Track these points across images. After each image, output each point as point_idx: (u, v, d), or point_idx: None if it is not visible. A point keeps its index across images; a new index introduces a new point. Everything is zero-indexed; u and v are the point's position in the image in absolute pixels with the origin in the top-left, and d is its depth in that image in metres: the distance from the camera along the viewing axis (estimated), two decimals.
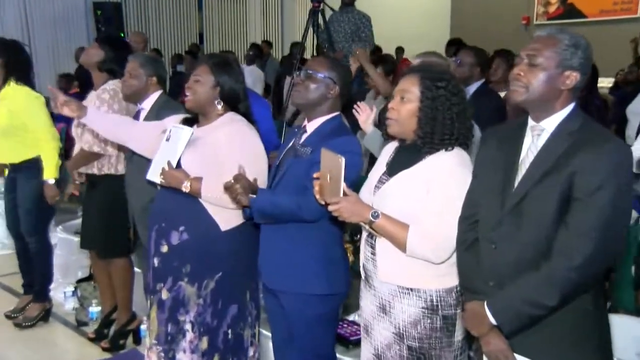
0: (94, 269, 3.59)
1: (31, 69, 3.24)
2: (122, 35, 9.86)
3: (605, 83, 8.05)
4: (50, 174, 3.45)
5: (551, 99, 1.61)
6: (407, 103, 1.89)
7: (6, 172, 3.62)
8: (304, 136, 2.23)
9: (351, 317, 2.82)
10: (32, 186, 3.51)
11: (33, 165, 3.49)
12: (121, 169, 3.23)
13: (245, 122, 2.42)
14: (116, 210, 3.24)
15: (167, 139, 2.46)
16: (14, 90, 3.46)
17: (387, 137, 2.03)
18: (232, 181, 2.13)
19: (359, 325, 2.74)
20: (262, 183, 2.27)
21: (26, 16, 9.23)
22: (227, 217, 2.37)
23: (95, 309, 3.66)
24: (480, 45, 7.54)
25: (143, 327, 3.42)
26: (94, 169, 3.25)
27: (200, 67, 2.43)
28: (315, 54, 5.75)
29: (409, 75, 1.93)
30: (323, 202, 1.91)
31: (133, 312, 3.50)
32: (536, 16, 12.43)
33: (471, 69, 3.61)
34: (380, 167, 2.03)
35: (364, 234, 2.04)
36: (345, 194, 1.82)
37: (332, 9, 5.69)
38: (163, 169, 2.38)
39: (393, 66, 4.18)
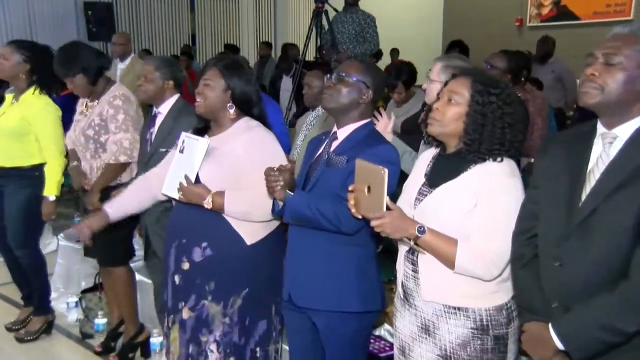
0: (103, 279, 3.45)
1: (56, 79, 3.11)
2: None
3: None
4: (51, 191, 3.29)
5: (629, 102, 1.49)
6: (454, 105, 1.80)
7: None
8: (335, 143, 2.13)
9: (377, 332, 2.72)
10: (24, 196, 3.34)
11: (27, 174, 3.34)
12: (125, 177, 3.10)
13: (262, 127, 2.33)
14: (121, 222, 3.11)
15: (181, 151, 2.35)
16: (34, 98, 3.32)
17: (428, 141, 1.94)
18: (274, 169, 2.03)
19: (385, 340, 2.65)
20: None
21: (10, 16, 8.99)
22: (251, 230, 2.27)
23: (101, 321, 3.52)
24: (474, 47, 7.52)
25: (153, 340, 3.29)
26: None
27: (210, 70, 2.32)
28: (318, 55, 5.66)
29: (460, 78, 1.83)
30: (359, 216, 1.80)
31: (140, 323, 3.37)
32: (529, 18, 12.41)
33: (502, 74, 3.48)
34: (417, 177, 1.92)
35: (403, 249, 1.92)
36: (388, 207, 1.70)
37: (335, 9, 5.59)
38: (181, 184, 2.27)
39: (412, 74, 4.03)
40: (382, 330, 2.69)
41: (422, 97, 4.68)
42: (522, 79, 3.76)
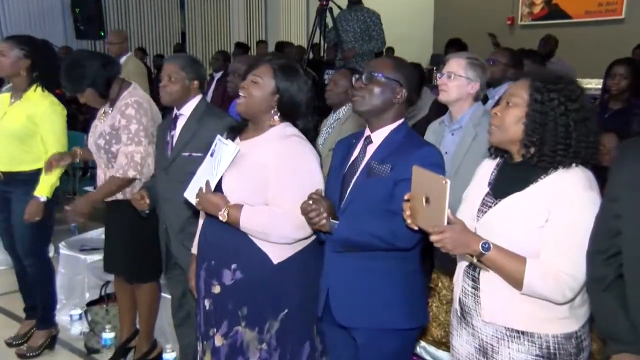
0: (116, 291, 3.26)
1: (59, 74, 2.92)
2: (102, 34, 9.46)
3: (593, 84, 8.01)
4: (42, 191, 3.09)
5: None
6: (512, 108, 1.66)
7: None
8: (371, 148, 1.97)
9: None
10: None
11: (34, 179, 3.13)
12: (127, 193, 2.91)
13: (299, 137, 2.10)
14: (145, 233, 2.94)
15: (212, 154, 2.16)
16: (39, 96, 3.12)
17: (492, 153, 1.80)
18: (310, 202, 1.86)
19: (422, 358, 2.52)
20: None
21: None
22: (278, 248, 2.07)
23: (108, 335, 3.34)
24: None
25: (165, 355, 3.12)
26: (120, 194, 2.92)
27: (261, 67, 2.10)
28: (323, 54, 5.52)
29: (520, 80, 1.70)
30: (416, 227, 1.66)
31: (154, 339, 3.20)
32: (521, 17, 12.40)
33: (505, 69, 3.46)
34: (480, 187, 1.77)
35: (462, 264, 1.79)
36: (449, 221, 1.56)
37: (339, 7, 5.45)
38: (200, 190, 2.09)
39: (422, 77, 3.88)
40: (418, 348, 2.56)
41: (429, 99, 4.59)
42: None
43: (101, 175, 2.97)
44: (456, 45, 7.15)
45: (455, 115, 2.54)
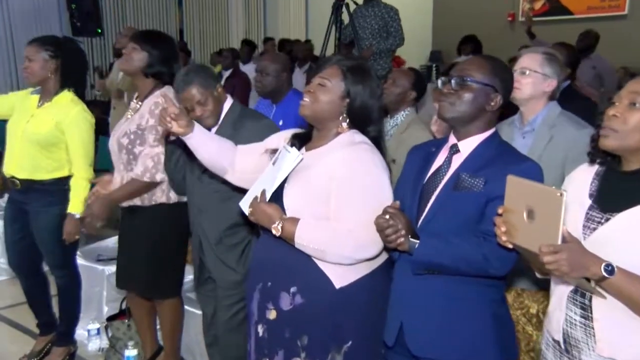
0: (130, 307, 3.05)
1: (86, 76, 2.70)
2: (99, 31, 9.21)
3: None
4: (76, 207, 2.87)
5: None
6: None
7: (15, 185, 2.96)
8: (458, 159, 1.76)
9: None
10: (54, 215, 2.92)
11: (55, 189, 2.92)
12: (174, 197, 2.72)
13: (368, 145, 1.88)
14: (167, 244, 2.75)
15: (274, 162, 1.95)
16: (69, 101, 2.89)
17: (595, 159, 1.58)
18: (386, 217, 1.65)
19: None
20: None
21: None
22: (340, 270, 1.85)
23: (132, 352, 3.10)
24: None
25: None
26: (138, 200, 2.70)
27: (330, 68, 1.90)
28: (338, 51, 5.31)
29: None
30: (510, 246, 1.47)
31: (181, 357, 2.99)
32: (521, 13, 12.28)
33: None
34: (578, 199, 1.55)
35: (563, 288, 1.56)
36: (564, 239, 1.34)
37: (356, 2, 5.25)
38: (254, 200, 1.89)
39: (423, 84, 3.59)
40: None
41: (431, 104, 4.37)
42: None
43: (117, 179, 2.74)
44: (471, 43, 7.00)
45: (527, 115, 2.33)
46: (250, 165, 2.06)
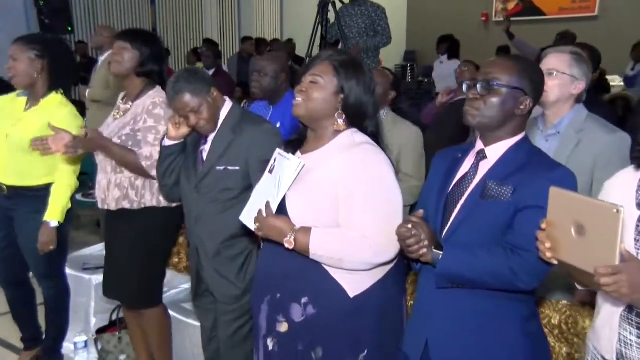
0: (125, 318, 2.91)
1: (76, 76, 2.54)
2: (70, 29, 8.92)
3: None
4: (54, 215, 2.71)
5: None
6: None
7: None
8: (485, 165, 1.67)
9: None
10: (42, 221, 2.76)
11: (44, 195, 2.75)
12: (164, 201, 2.58)
13: (371, 144, 1.81)
14: (157, 251, 2.64)
15: (270, 171, 1.85)
16: (58, 104, 2.74)
17: None
18: (409, 226, 1.56)
19: None
20: None
21: None
22: (354, 278, 1.77)
23: None
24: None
25: None
26: (127, 203, 2.56)
27: (320, 65, 1.82)
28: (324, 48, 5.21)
29: None
30: (555, 262, 1.38)
31: None
32: (495, 13, 12.41)
33: None
34: (627, 210, 1.40)
35: (614, 305, 1.48)
36: (622, 259, 1.25)
37: (342, 1, 5.16)
38: (259, 213, 1.78)
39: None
40: None
41: None
42: None
43: (103, 182, 2.60)
44: (448, 42, 6.99)
45: (551, 118, 2.23)
46: None
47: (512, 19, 12.11)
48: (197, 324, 2.72)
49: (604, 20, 10.72)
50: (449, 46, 6.94)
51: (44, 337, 3.09)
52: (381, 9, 5.05)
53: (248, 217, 1.86)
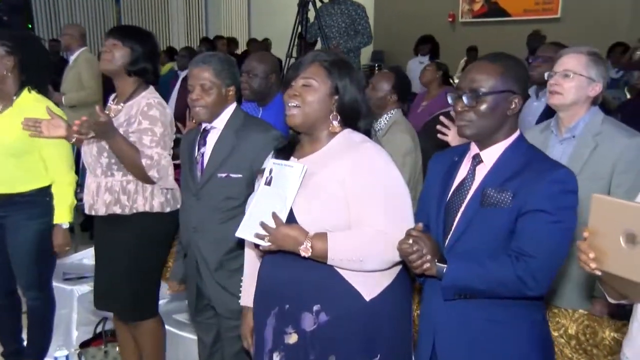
0: (116, 330, 2.75)
1: (51, 74, 2.39)
2: (30, 27, 8.61)
3: None
4: (63, 217, 2.60)
5: None
6: None
7: None
8: (482, 170, 1.62)
9: None
10: (33, 230, 2.63)
11: (35, 201, 2.62)
12: (157, 206, 2.45)
13: (371, 142, 1.77)
14: (150, 259, 2.51)
15: (268, 182, 1.76)
16: (34, 101, 2.57)
17: None
18: (410, 241, 1.51)
19: None
20: None
21: None
22: (370, 281, 1.72)
23: None
24: (407, 42, 7.27)
25: None
26: (117, 207, 2.42)
27: (311, 66, 1.75)
28: (300, 50, 5.14)
29: None
30: (599, 273, 1.32)
31: None
32: (461, 14, 12.54)
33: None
34: None
35: None
36: None
37: (322, 0, 5.08)
38: (266, 226, 1.66)
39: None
40: None
41: None
42: None
43: (92, 186, 2.46)
44: (429, 43, 6.98)
45: (566, 121, 2.17)
46: None
47: (478, 20, 12.39)
48: (190, 336, 2.61)
49: (566, 22, 10.94)
50: (431, 47, 6.93)
51: (25, 352, 2.91)
52: (362, 7, 4.99)
53: (247, 232, 1.74)
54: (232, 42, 8.76)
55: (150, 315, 2.59)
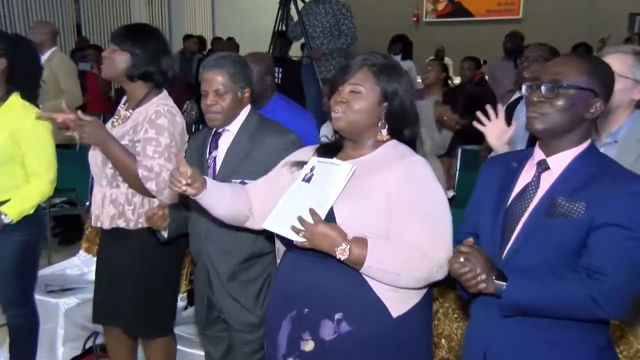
0: (109, 346, 2.58)
1: (40, 79, 2.21)
2: None
3: None
4: (10, 211, 2.38)
5: None
6: None
7: None
8: (548, 177, 1.50)
9: None
10: (16, 243, 2.44)
11: None
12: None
13: (417, 155, 1.69)
14: (161, 274, 2.34)
15: (307, 179, 1.67)
16: (22, 109, 2.39)
17: None
18: (461, 259, 1.42)
19: None
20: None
21: None
22: (399, 297, 1.62)
23: None
24: (371, 41, 7.30)
25: None
26: (122, 221, 2.26)
27: (359, 72, 1.66)
28: (283, 51, 5.02)
29: None
30: None
31: None
32: (425, 13, 12.64)
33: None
34: None
35: None
36: None
37: (303, 0, 4.97)
38: (304, 222, 1.55)
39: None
40: None
41: None
42: None
43: (98, 196, 2.31)
44: (401, 42, 6.95)
45: (608, 126, 2.04)
46: (268, 204, 1.73)
47: (442, 19, 12.50)
48: (197, 352, 2.47)
49: (528, 23, 11.13)
50: (403, 46, 6.89)
51: None
52: (346, 7, 4.91)
53: (277, 225, 1.64)
54: (201, 40, 8.55)
55: (162, 334, 2.43)
